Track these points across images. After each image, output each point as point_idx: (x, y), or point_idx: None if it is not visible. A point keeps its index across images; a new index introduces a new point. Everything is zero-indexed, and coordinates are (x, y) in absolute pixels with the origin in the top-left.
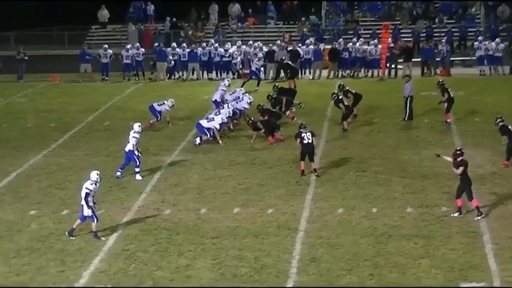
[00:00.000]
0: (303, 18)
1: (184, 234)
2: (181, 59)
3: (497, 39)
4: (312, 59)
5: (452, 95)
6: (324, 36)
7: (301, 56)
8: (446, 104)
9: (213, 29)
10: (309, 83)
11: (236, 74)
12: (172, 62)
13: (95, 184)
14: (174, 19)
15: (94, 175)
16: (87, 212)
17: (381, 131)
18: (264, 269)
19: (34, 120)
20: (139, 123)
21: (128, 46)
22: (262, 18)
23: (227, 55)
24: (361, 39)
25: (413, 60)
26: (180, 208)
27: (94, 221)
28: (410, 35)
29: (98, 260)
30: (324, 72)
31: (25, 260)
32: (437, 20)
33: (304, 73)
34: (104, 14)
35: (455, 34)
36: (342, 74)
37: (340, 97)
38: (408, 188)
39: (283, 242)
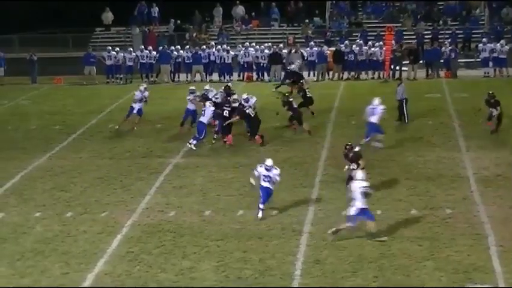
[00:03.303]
0: (307, 20)
1: (188, 237)
2: (185, 61)
3: (501, 41)
4: (316, 61)
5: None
6: (328, 38)
7: (305, 58)
8: (495, 116)
9: (217, 31)
10: (313, 85)
11: (240, 75)
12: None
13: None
14: (178, 21)
15: None
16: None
17: (385, 133)
18: (268, 271)
19: (38, 122)
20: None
21: (130, 49)
22: (266, 20)
23: (230, 57)
24: (369, 42)
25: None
26: (184, 210)
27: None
28: (414, 37)
29: (102, 262)
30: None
31: (30, 262)
32: (441, 22)
33: (309, 75)
34: (108, 16)
35: (459, 36)
36: (347, 76)
37: (291, 99)
38: (413, 190)
39: (287, 244)
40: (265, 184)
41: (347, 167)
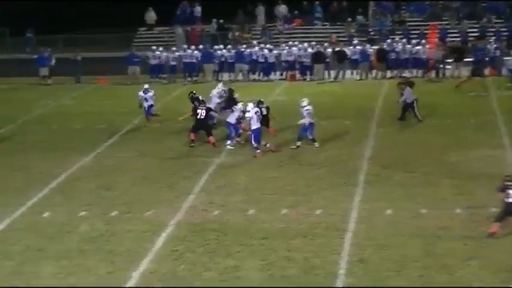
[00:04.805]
0: (350, 19)
1: (232, 235)
2: (228, 61)
3: None
4: (359, 59)
5: None
6: (371, 37)
7: (348, 56)
8: None
9: (259, 31)
10: (356, 84)
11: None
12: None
13: None
14: (221, 21)
15: None
16: None
17: (429, 132)
18: (312, 270)
19: (83, 122)
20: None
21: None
22: (309, 19)
23: (273, 56)
24: (413, 41)
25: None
26: (228, 209)
27: None
28: (458, 35)
29: (147, 261)
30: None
31: (75, 261)
32: (485, 20)
33: (352, 74)
34: (151, 16)
35: (503, 34)
36: (390, 74)
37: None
38: (457, 189)
39: (331, 243)
40: None
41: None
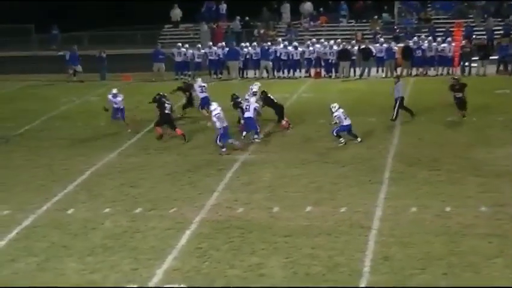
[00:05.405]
0: (376, 16)
1: (256, 233)
2: (253, 58)
3: None
4: (385, 57)
5: None
6: (396, 34)
7: (374, 54)
8: None
9: (285, 28)
10: (381, 82)
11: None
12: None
13: None
14: (247, 18)
15: None
16: None
17: (454, 130)
18: (336, 268)
19: (107, 119)
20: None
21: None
22: (334, 17)
23: (298, 54)
24: (439, 38)
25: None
26: (253, 206)
27: None
28: (484, 33)
29: (171, 258)
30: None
31: (99, 257)
32: (510, 18)
33: (377, 71)
34: (176, 13)
35: None
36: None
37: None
38: (483, 187)
39: (356, 241)
40: None
41: None
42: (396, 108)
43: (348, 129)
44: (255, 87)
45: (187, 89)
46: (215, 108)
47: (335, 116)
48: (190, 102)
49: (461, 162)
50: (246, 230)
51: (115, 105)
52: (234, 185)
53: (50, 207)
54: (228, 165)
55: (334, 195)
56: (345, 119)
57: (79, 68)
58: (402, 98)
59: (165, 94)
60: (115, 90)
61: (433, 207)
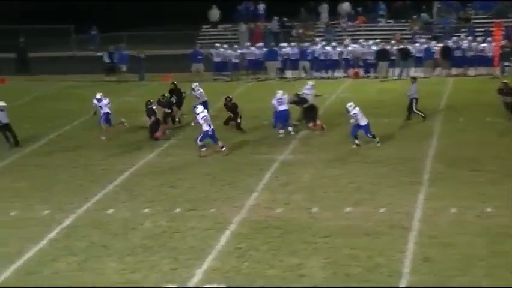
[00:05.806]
0: (415, 16)
1: (296, 233)
2: (291, 58)
3: None
4: (424, 57)
5: None
6: (435, 34)
7: (412, 54)
8: None
9: (323, 28)
10: (420, 82)
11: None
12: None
13: None
14: (285, 18)
15: None
16: None
17: (495, 130)
18: (376, 269)
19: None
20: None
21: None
22: (372, 17)
23: (336, 54)
24: (478, 38)
25: None
26: (292, 207)
27: None
28: None
29: (211, 258)
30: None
31: (139, 257)
32: None
33: (416, 71)
34: (214, 13)
35: None
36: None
37: None
38: None
39: (395, 242)
40: None
41: None
42: (414, 110)
43: (365, 129)
44: (311, 81)
45: (175, 90)
46: (202, 110)
47: (353, 114)
48: (178, 104)
49: (501, 162)
50: (286, 230)
51: (102, 110)
52: (273, 185)
53: (90, 207)
54: (267, 165)
55: (374, 196)
56: (362, 118)
57: (124, 67)
58: (415, 100)
59: (152, 101)
60: (98, 95)
61: (473, 208)
